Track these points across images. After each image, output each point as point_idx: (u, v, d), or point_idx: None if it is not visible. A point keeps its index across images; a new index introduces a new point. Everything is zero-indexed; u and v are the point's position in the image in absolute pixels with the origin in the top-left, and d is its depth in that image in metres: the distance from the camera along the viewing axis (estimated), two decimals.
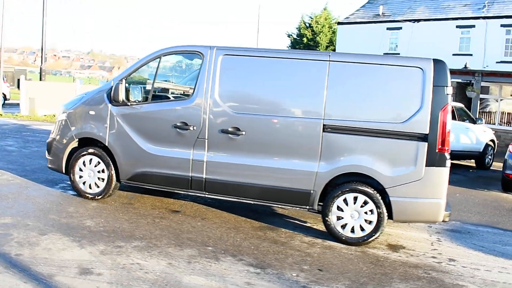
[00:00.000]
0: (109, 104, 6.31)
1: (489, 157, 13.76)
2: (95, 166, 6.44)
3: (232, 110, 5.83)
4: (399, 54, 26.48)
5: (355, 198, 5.51)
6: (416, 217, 5.48)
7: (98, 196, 6.46)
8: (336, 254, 5.28)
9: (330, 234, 5.67)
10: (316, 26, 42.85)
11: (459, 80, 21.99)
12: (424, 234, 6.34)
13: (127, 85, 6.18)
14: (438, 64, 5.35)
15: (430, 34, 24.99)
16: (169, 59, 6.53)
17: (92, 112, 6.42)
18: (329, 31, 43.17)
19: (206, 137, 5.90)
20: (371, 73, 5.51)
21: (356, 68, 5.56)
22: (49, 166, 6.88)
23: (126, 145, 6.23)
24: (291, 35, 45.54)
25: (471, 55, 23.64)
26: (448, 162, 5.29)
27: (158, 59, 6.18)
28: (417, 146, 5.30)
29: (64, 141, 6.56)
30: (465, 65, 20.78)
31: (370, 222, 5.49)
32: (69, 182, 7.32)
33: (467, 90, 21.01)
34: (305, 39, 43.15)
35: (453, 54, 24.29)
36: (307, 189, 5.62)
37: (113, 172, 6.36)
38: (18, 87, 36.23)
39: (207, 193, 6.02)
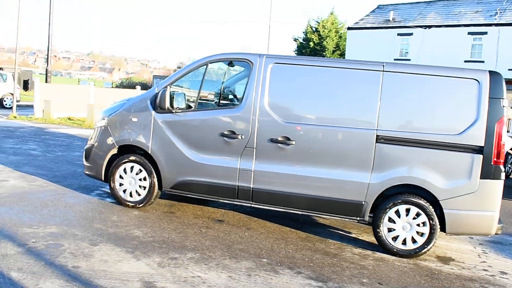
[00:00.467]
0: (153, 111, 6.23)
1: (509, 165, 13.71)
2: (137, 174, 6.35)
3: (282, 119, 5.75)
4: (409, 60, 26.52)
5: (408, 210, 5.44)
6: (469, 229, 5.42)
7: (139, 204, 6.37)
8: (390, 266, 5.20)
9: (381, 246, 5.59)
10: (323, 31, 42.91)
11: None
12: (468, 245, 6.27)
13: (172, 92, 6.11)
14: (494, 76, 5.29)
15: (441, 40, 25.02)
16: (216, 66, 6.47)
17: (134, 119, 6.34)
18: (335, 36, 43.26)
19: (255, 146, 5.82)
20: (426, 84, 5.44)
21: (411, 79, 5.49)
22: (87, 172, 6.80)
23: (170, 153, 6.15)
24: (297, 39, 45.61)
25: (483, 62, 23.69)
26: (503, 175, 5.23)
27: (205, 66, 6.10)
28: (472, 158, 5.23)
29: (105, 147, 6.47)
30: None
31: (422, 235, 5.41)
32: (104, 189, 7.29)
33: None
34: (311, 44, 43.23)
35: (465, 61, 24.36)
36: (359, 200, 5.55)
37: (156, 180, 6.28)
38: (25, 88, 36.29)
39: (254, 203, 5.95)
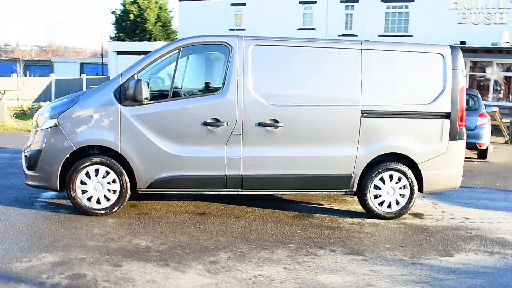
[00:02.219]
0: (119, 105, 5.49)
1: None
2: (104, 177, 5.58)
3: (268, 102, 5.65)
4: (244, 30, 27.47)
5: (390, 176, 5.95)
6: (441, 186, 6.19)
7: (110, 210, 5.63)
8: (388, 230, 5.65)
9: (368, 212, 6.00)
10: (143, 2, 41.36)
11: None
12: (419, 201, 6.94)
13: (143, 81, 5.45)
14: (454, 50, 6.01)
15: (274, 10, 26.44)
16: (190, 51, 5.89)
17: (96, 116, 5.51)
18: (156, 7, 42.18)
19: (241, 132, 5.62)
20: (399, 59, 5.91)
21: (386, 55, 5.91)
22: (31, 183, 5.72)
23: (144, 149, 5.55)
24: (115, 11, 43.12)
25: (314, 29, 25.87)
26: (465, 135, 6.09)
27: (177, 51, 5.59)
28: (442, 123, 5.94)
29: (58, 152, 5.50)
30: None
31: (403, 196, 5.97)
32: (44, 199, 6.26)
33: None
34: (132, 16, 41.37)
35: (298, 29, 26.31)
36: (348, 173, 5.85)
37: (127, 181, 5.62)
38: None
39: (243, 190, 5.79)
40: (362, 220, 5.97)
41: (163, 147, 5.55)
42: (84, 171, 5.54)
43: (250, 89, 5.60)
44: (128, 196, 5.66)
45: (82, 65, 41.69)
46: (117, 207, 5.65)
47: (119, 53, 25.15)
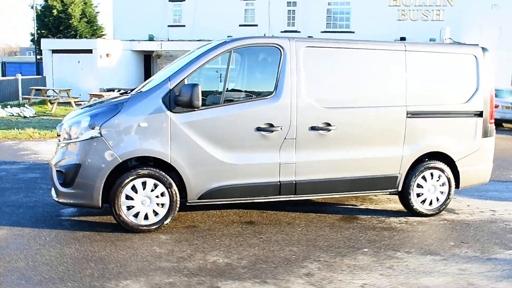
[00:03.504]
0: (168, 112, 5.09)
1: None
2: (152, 190, 5.16)
3: (320, 105, 5.52)
4: (184, 26, 26.88)
5: (432, 174, 6.07)
6: (475, 182, 6.40)
7: (159, 225, 5.22)
8: (439, 226, 5.75)
9: (409, 210, 6.08)
10: None
11: None
12: None
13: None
14: (485, 51, 6.25)
15: (215, 6, 26.09)
16: (240, 53, 5.53)
17: (144, 124, 5.06)
18: (80, 2, 39.99)
19: (295, 137, 5.45)
20: (438, 60, 6.03)
21: (426, 56, 5.99)
22: (65, 201, 5.16)
23: (196, 158, 5.20)
24: (34, 6, 40.22)
25: (256, 25, 25.88)
26: (494, 132, 6.36)
27: (228, 53, 5.28)
28: (476, 121, 6.15)
29: (101, 165, 4.99)
30: (264, 35, 22.66)
31: (442, 193, 6.14)
32: (67, 216, 5.66)
33: None
34: (55, 11, 38.91)
35: (240, 25, 26.17)
36: (395, 173, 5.88)
37: (177, 193, 5.24)
38: None
39: (296, 196, 5.63)
40: (406, 218, 6.04)
41: (216, 155, 5.24)
42: (130, 185, 5.09)
43: (302, 92, 5.44)
44: (177, 209, 5.28)
45: (3, 64, 38.49)
46: (167, 222, 5.26)
47: (54, 51, 23.48)
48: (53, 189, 5.35)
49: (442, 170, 6.07)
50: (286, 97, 5.38)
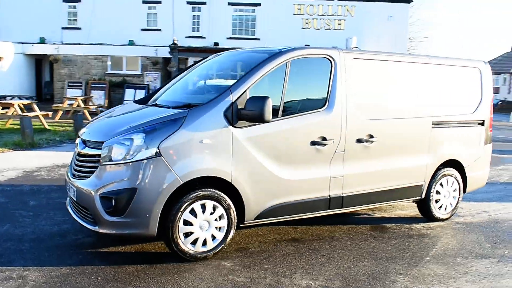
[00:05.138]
0: (230, 127, 4.67)
1: None
2: (211, 213, 4.70)
3: (366, 117, 5.51)
4: (80, 29, 25.03)
5: (447, 181, 6.41)
6: (476, 186, 6.87)
7: (214, 251, 4.77)
8: (461, 230, 6.09)
9: (426, 216, 6.36)
10: None
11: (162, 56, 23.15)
12: None
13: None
14: (486, 65, 6.77)
15: (115, 8, 24.69)
16: (295, 64, 5.13)
17: (207, 141, 4.57)
18: None
19: (343, 150, 5.37)
20: (452, 73, 6.39)
21: (444, 69, 6.30)
22: (113, 232, 4.47)
23: (256, 175, 4.84)
24: None
25: (160, 30, 25.00)
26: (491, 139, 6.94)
27: (285, 64, 5.00)
28: (480, 130, 6.65)
29: (161, 188, 4.40)
30: (173, 41, 22.03)
31: (454, 197, 6.53)
32: (98, 249, 4.94)
33: (169, 65, 22.50)
34: None
35: (142, 29, 25.08)
36: (421, 182, 6.10)
37: (235, 215, 4.84)
38: None
39: (343, 209, 5.54)
40: (426, 224, 6.30)
41: (274, 171, 4.94)
42: (189, 208, 4.57)
43: (350, 104, 5.38)
44: (233, 232, 4.87)
45: None
46: (221, 247, 4.82)
47: None
48: (79, 217, 4.74)
49: (455, 177, 6.45)
50: (338, 109, 5.28)
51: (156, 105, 5.35)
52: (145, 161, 4.38)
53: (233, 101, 4.68)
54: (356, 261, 4.86)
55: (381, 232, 5.90)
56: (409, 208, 7.06)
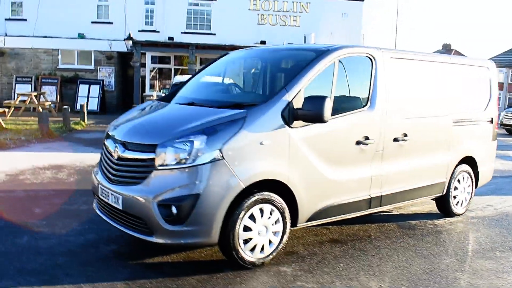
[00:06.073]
0: (286, 127, 4.51)
1: None
2: (269, 217, 4.52)
3: (401, 115, 5.53)
4: (26, 20, 23.48)
5: (463, 177, 6.59)
6: (485, 180, 7.11)
7: (269, 257, 4.60)
8: (481, 224, 6.30)
9: (444, 212, 6.53)
10: None
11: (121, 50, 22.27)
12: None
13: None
14: (493, 64, 7.01)
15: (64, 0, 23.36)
16: (341, 63, 4.96)
17: (267, 142, 4.38)
18: None
19: (382, 149, 5.36)
20: (467, 72, 6.55)
21: (460, 68, 6.45)
22: (174, 242, 4.18)
23: (309, 177, 4.72)
24: None
25: (111, 23, 23.95)
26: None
27: (333, 63, 4.89)
28: (490, 127, 6.89)
29: (224, 193, 4.17)
30: (129, 35, 21.18)
31: (468, 193, 6.74)
32: (136, 261, 4.64)
33: (132, 60, 21.71)
34: None
35: (92, 22, 23.94)
36: (443, 179, 6.23)
37: (289, 218, 4.69)
38: None
39: (380, 207, 5.53)
40: (444, 220, 6.46)
41: (324, 172, 4.84)
42: (248, 213, 4.37)
43: (389, 103, 5.38)
44: (287, 236, 4.72)
45: None
46: (276, 252, 4.66)
47: None
48: (125, 226, 4.45)
49: (469, 173, 6.65)
50: (379, 108, 5.26)
51: (193, 103, 5.06)
52: (207, 165, 4.13)
53: (289, 100, 4.52)
54: (408, 260, 4.88)
55: (411, 229, 5.97)
56: (419, 204, 7.20)
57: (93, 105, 21.14)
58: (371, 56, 5.27)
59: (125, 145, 4.54)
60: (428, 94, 6.00)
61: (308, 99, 4.49)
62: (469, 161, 6.66)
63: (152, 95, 19.79)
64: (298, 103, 4.55)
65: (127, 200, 4.31)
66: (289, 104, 4.52)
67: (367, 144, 5.15)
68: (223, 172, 4.16)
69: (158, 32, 24.61)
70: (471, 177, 6.71)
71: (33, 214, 5.94)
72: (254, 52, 6.03)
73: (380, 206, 5.51)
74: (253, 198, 4.35)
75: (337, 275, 4.43)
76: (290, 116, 4.51)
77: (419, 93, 5.89)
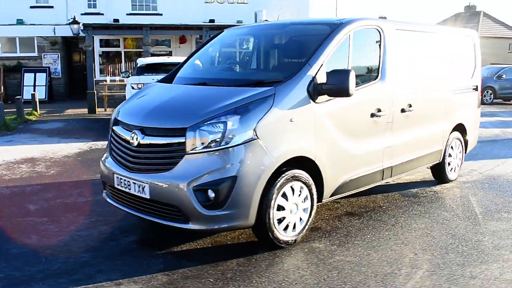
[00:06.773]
0: (312, 102, 4.44)
1: None
2: (299, 195, 4.46)
3: (406, 86, 5.60)
4: None
5: (455, 144, 6.82)
6: (472, 146, 7.38)
7: (300, 236, 4.55)
8: (477, 188, 6.57)
9: (439, 178, 6.76)
10: None
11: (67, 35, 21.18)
12: None
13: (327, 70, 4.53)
14: (476, 34, 7.21)
15: None
16: (354, 35, 4.86)
17: (295, 118, 4.30)
18: None
19: (392, 120, 5.41)
20: (457, 42, 6.73)
21: (452, 39, 6.60)
22: (213, 227, 4.04)
23: (333, 152, 4.70)
24: None
25: (52, 7, 22.63)
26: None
27: (348, 36, 4.83)
28: (476, 94, 7.14)
29: (260, 173, 4.06)
30: (74, 18, 20.09)
31: (459, 159, 6.99)
32: (183, 247, 4.48)
33: (85, 45, 20.65)
34: None
35: (31, 7, 22.52)
36: (441, 146, 6.42)
37: (316, 194, 4.65)
38: None
39: (390, 178, 5.62)
40: (441, 186, 6.67)
41: (345, 146, 4.84)
42: (281, 192, 4.29)
43: (396, 74, 5.43)
44: (314, 212, 4.69)
45: None
46: (305, 230, 4.62)
47: None
48: (154, 216, 4.27)
49: (460, 140, 6.89)
50: (389, 80, 5.30)
51: (205, 84, 4.86)
52: (241, 145, 3.99)
53: (313, 75, 4.44)
54: (428, 227, 5.00)
55: (415, 197, 6.13)
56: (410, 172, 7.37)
57: (41, 94, 19.96)
58: (380, 28, 5.27)
59: (144, 131, 4.29)
60: (427, 64, 6.11)
61: (332, 73, 4.43)
62: (460, 128, 6.89)
63: (106, 80, 18.96)
64: (321, 78, 4.48)
65: (156, 188, 4.10)
66: (313, 79, 4.44)
67: (379, 116, 5.18)
68: (258, 152, 4.05)
69: (102, 14, 23.55)
70: (461, 144, 6.95)
71: (29, 211, 5.55)
72: (262, 28, 5.88)
73: (391, 176, 5.60)
74: (285, 177, 4.27)
75: (369, 246, 4.47)
76: (315, 91, 4.44)
77: (420, 64, 5.98)
